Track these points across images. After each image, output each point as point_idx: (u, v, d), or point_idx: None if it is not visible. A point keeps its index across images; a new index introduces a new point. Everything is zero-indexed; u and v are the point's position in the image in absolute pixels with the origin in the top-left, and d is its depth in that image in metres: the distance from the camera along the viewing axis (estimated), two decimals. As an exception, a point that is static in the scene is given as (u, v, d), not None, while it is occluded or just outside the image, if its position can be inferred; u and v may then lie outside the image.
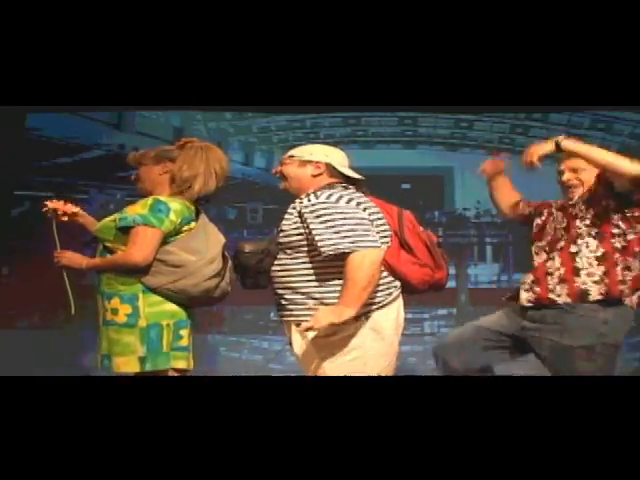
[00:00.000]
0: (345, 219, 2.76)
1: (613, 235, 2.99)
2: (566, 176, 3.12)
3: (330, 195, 2.81)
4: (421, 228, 2.99)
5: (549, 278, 3.03)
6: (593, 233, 3.00)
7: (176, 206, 2.84)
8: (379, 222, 2.88)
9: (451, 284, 6.87)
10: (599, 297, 2.97)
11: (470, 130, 7.38)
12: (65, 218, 3.02)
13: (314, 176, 2.93)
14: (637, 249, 3.02)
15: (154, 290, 2.80)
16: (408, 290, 2.93)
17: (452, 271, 6.98)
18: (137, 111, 6.79)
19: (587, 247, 3.00)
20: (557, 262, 3.03)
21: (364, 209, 2.84)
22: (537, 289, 3.05)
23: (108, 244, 2.86)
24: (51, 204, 3.01)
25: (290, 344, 2.96)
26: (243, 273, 2.91)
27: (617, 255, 2.99)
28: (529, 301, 3.07)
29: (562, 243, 3.04)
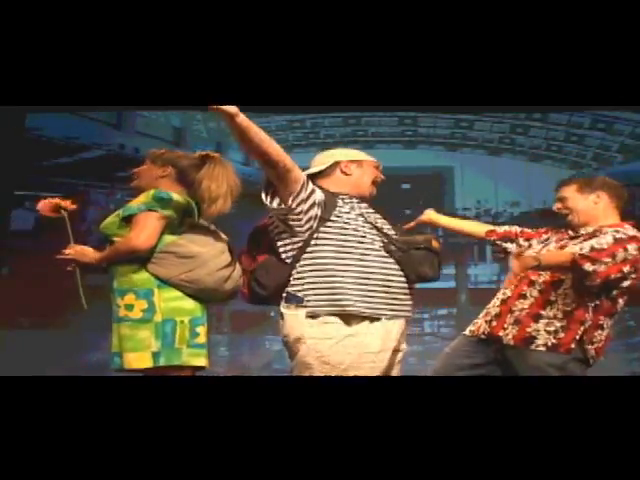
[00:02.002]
0: None
1: (590, 299, 2.97)
2: (555, 206, 3.13)
3: None
4: None
5: (509, 315, 3.03)
6: (576, 286, 2.95)
7: (177, 196, 2.89)
8: None
9: (451, 284, 6.88)
10: (542, 348, 2.95)
11: (470, 130, 7.39)
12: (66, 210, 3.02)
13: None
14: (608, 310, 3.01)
15: (168, 281, 2.82)
16: None
17: (452, 271, 7.01)
18: (137, 111, 6.80)
19: (563, 299, 2.98)
20: (527, 302, 3.02)
21: None
22: (494, 323, 3.06)
23: (114, 238, 2.89)
24: (53, 202, 3.00)
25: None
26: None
27: (587, 315, 2.97)
28: (483, 333, 3.09)
29: (542, 286, 3.01)
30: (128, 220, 2.85)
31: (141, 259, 2.83)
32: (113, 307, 2.90)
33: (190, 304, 2.86)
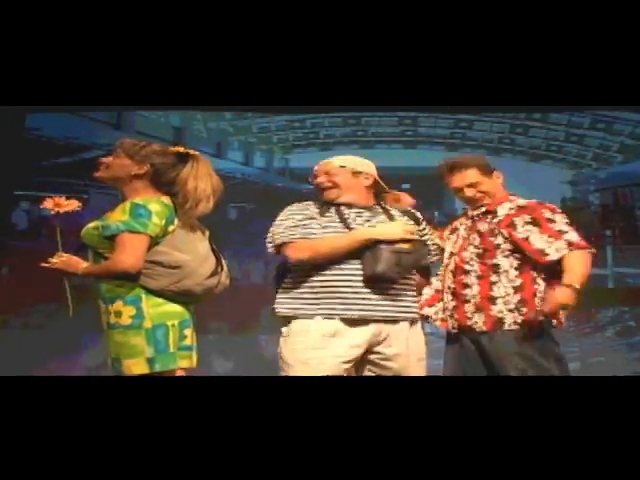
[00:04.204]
0: None
1: (533, 267, 3.03)
2: (469, 192, 3.15)
3: None
4: None
5: (467, 305, 3.06)
6: (515, 265, 3.02)
7: (156, 207, 2.78)
8: None
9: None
10: (514, 326, 2.99)
11: (470, 130, 7.39)
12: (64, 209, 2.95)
13: (367, 187, 3.00)
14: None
15: (159, 292, 2.78)
16: None
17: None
18: (137, 111, 6.81)
19: (507, 277, 3.02)
20: (475, 290, 3.05)
21: None
22: (456, 315, 3.08)
23: (96, 249, 2.83)
24: (51, 202, 2.95)
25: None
26: (404, 268, 2.91)
27: (536, 286, 3.02)
28: (453, 327, 3.11)
29: (479, 272, 3.05)
30: (110, 237, 2.76)
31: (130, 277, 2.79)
32: (102, 314, 2.85)
33: (177, 308, 2.81)
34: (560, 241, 2.99)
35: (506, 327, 2.99)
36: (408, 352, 2.93)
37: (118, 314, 2.78)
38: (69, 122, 6.49)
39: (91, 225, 2.85)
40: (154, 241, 2.78)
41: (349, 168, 2.99)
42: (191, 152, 2.89)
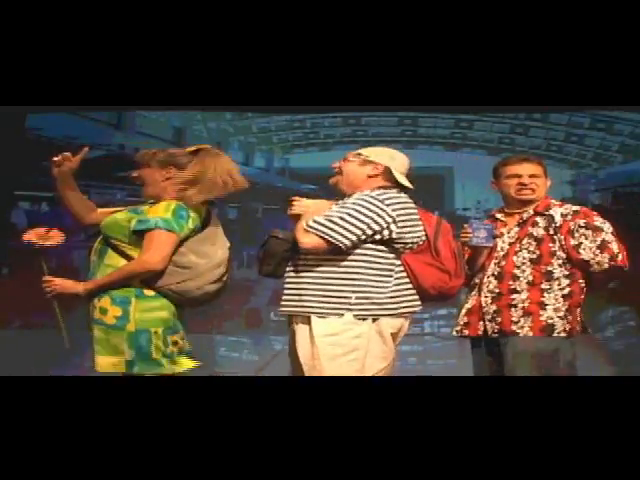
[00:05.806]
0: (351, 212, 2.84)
1: (582, 277, 3.07)
2: (527, 180, 3.14)
3: (381, 194, 2.87)
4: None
5: (513, 310, 3.05)
6: (566, 272, 3.05)
7: (193, 213, 2.79)
8: (411, 224, 2.90)
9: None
10: (563, 334, 3.01)
11: (470, 130, 7.40)
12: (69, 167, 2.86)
13: (369, 177, 2.95)
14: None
15: (157, 289, 2.77)
16: (419, 294, 2.95)
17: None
18: (137, 111, 6.81)
19: (558, 285, 3.05)
20: (524, 295, 3.05)
21: (397, 210, 2.86)
22: (499, 319, 3.06)
23: (115, 242, 2.78)
24: (34, 235, 2.94)
25: (290, 343, 2.96)
26: (266, 259, 2.94)
27: (582, 296, 3.08)
28: (494, 332, 3.08)
29: (531, 277, 3.05)
30: (140, 232, 2.73)
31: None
32: (89, 305, 2.79)
33: (164, 315, 2.76)
34: (604, 254, 2.99)
35: (555, 334, 3.00)
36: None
37: (103, 311, 2.73)
38: (69, 122, 6.49)
39: (120, 216, 2.81)
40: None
41: (363, 156, 2.96)
42: (202, 146, 2.87)
